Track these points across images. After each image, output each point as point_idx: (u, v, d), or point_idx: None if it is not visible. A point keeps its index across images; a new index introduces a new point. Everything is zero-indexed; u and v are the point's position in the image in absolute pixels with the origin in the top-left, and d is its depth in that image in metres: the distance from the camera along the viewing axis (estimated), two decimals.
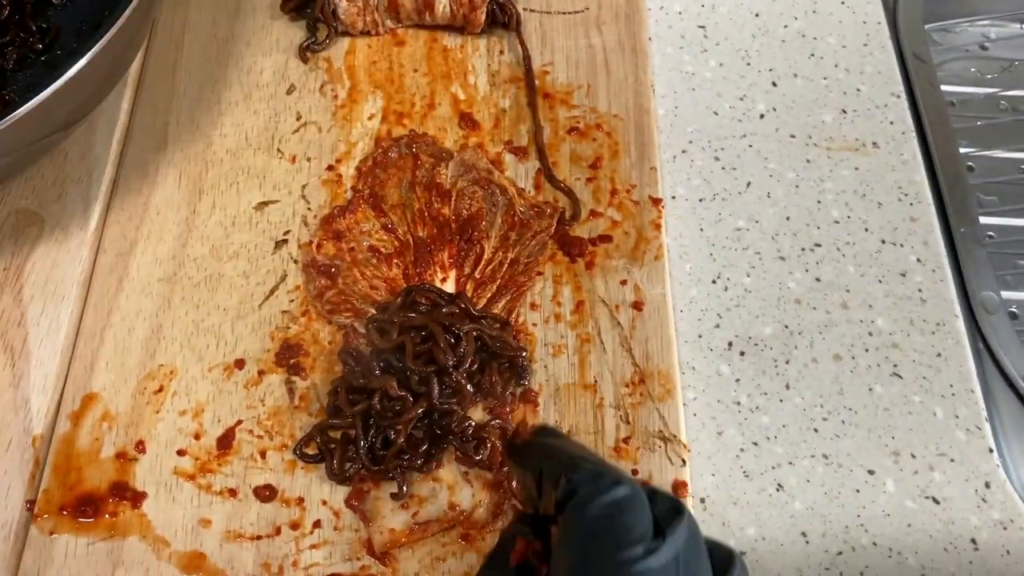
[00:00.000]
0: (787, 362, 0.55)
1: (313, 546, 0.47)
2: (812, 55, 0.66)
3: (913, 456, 0.52)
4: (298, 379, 0.51)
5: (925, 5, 0.74)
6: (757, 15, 0.68)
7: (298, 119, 0.60)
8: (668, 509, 0.33)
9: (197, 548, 0.46)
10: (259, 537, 0.47)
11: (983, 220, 0.70)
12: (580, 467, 0.34)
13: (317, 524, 0.47)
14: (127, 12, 0.49)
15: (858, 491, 0.51)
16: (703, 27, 0.67)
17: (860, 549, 0.50)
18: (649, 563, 0.31)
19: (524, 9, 0.64)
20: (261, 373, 0.51)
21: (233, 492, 0.48)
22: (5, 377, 0.50)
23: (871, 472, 0.51)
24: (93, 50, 0.48)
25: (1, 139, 0.46)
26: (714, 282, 0.57)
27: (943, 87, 0.75)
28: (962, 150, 0.71)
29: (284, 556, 0.46)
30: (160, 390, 0.51)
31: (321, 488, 0.48)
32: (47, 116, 0.47)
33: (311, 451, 0.49)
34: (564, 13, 0.65)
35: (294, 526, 0.47)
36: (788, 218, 0.60)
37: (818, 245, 0.59)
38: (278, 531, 0.47)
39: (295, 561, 0.46)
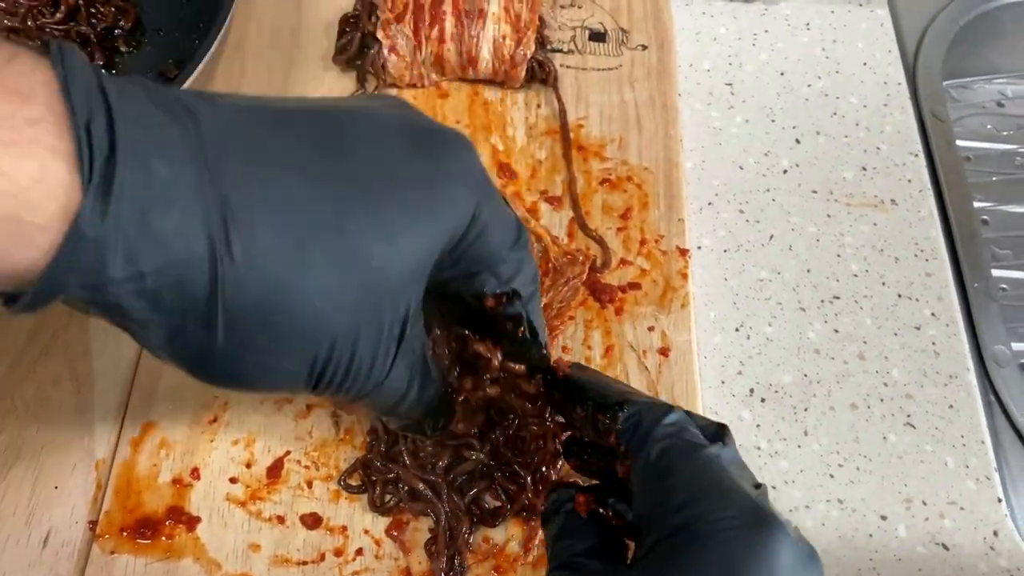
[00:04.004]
0: (806, 410, 0.57)
1: (355, 573, 0.50)
2: (834, 114, 0.70)
3: (924, 503, 0.54)
4: (343, 413, 0.54)
5: (944, 64, 0.77)
6: (782, 74, 0.71)
7: None
8: (712, 424, 0.39)
9: (247, 571, 0.50)
10: (305, 563, 0.50)
11: (997, 273, 0.72)
12: (632, 399, 0.39)
13: (359, 552, 0.50)
14: (200, 66, 0.53)
15: (871, 535, 0.53)
16: (730, 84, 0.71)
17: None
18: (727, 455, 0.36)
19: (561, 66, 0.68)
20: (309, 407, 0.55)
21: (281, 519, 0.51)
22: (71, 404, 0.54)
23: (884, 518, 0.54)
24: None
25: None
26: (737, 330, 0.60)
27: (960, 142, 0.78)
28: (977, 204, 0.74)
29: None
30: (214, 420, 0.54)
31: (363, 517, 0.51)
32: None
33: (354, 482, 0.52)
34: (599, 70, 0.68)
35: (338, 553, 0.50)
36: (809, 270, 0.62)
37: (837, 297, 0.62)
38: (323, 557, 0.50)
39: None
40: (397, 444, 0.50)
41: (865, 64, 0.72)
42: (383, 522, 0.51)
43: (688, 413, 0.39)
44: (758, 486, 0.36)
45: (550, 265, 0.60)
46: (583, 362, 0.57)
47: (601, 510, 0.40)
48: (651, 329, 0.58)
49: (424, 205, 0.36)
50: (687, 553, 0.34)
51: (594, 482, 0.43)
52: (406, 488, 0.50)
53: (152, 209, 0.30)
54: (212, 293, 0.32)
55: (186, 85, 0.52)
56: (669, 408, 0.38)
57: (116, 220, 0.30)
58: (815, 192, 0.66)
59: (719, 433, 0.38)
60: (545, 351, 0.46)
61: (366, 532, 0.51)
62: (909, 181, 0.67)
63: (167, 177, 0.31)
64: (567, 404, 0.44)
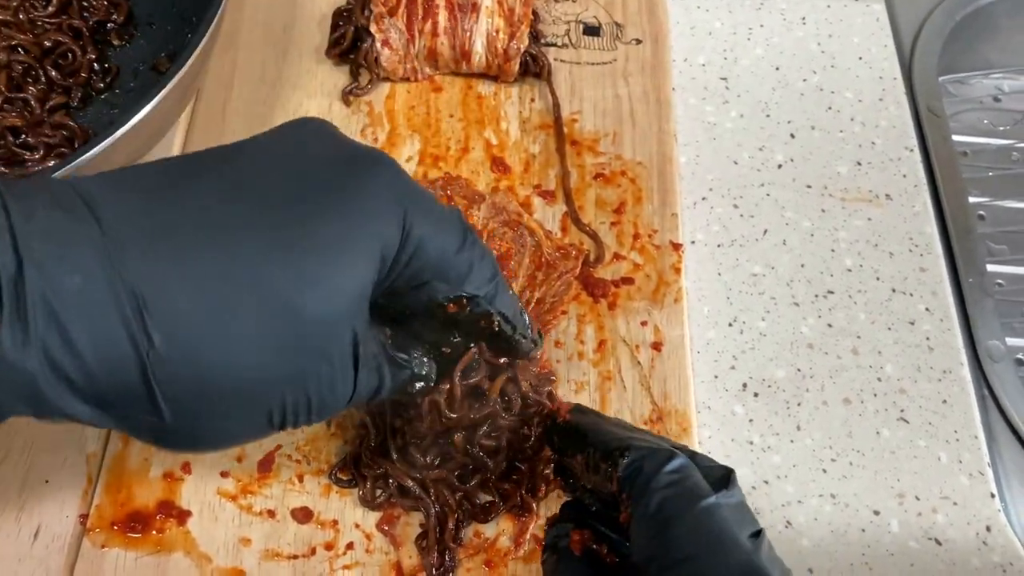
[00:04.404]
0: (799, 404, 0.57)
1: (346, 567, 0.50)
2: (829, 108, 0.69)
3: (917, 498, 0.54)
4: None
5: (940, 59, 0.77)
6: (777, 68, 0.71)
7: None
8: (717, 467, 0.38)
9: (238, 565, 0.49)
10: (295, 557, 0.50)
11: (992, 268, 0.72)
12: (633, 445, 0.39)
13: (350, 546, 0.50)
14: (191, 60, 0.53)
15: (863, 530, 0.53)
16: (725, 79, 0.70)
17: None
18: (729, 503, 0.36)
19: (555, 60, 0.68)
20: None
21: (272, 513, 0.51)
22: None
23: (876, 512, 0.54)
24: (163, 92, 0.51)
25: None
26: (730, 325, 0.60)
27: (957, 137, 0.78)
28: (973, 199, 0.74)
29: (319, 575, 0.49)
30: None
31: (354, 512, 0.51)
32: (112, 155, 0.51)
33: (345, 476, 0.52)
34: (593, 64, 0.68)
35: (328, 547, 0.50)
36: (803, 265, 0.62)
37: (831, 292, 0.61)
38: (313, 551, 0.50)
39: None
40: (386, 440, 0.50)
41: (861, 59, 0.72)
42: (374, 516, 0.51)
43: (693, 455, 0.39)
44: (757, 533, 0.36)
45: (543, 259, 0.60)
46: (576, 357, 0.57)
47: (596, 546, 0.40)
48: (644, 324, 0.58)
49: (347, 237, 0.35)
50: None
51: (592, 515, 0.43)
52: (395, 484, 0.50)
53: (69, 323, 0.30)
54: (147, 382, 0.32)
55: (176, 79, 0.51)
56: (671, 454, 0.38)
57: (37, 341, 0.30)
58: (809, 187, 0.66)
59: (725, 478, 0.38)
60: (530, 337, 0.46)
61: (357, 526, 0.51)
62: (904, 176, 0.66)
63: (78, 286, 0.30)
64: (567, 449, 0.44)
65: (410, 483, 0.49)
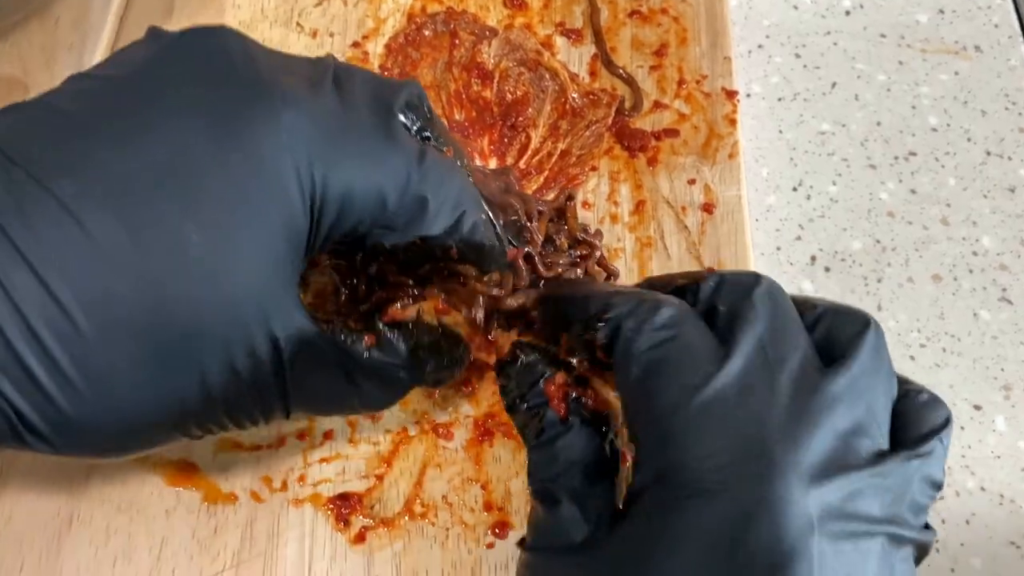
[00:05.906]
0: (879, 281, 0.47)
1: (324, 460, 0.39)
2: None
3: None
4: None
5: None
6: None
7: None
8: (734, 303, 0.28)
9: (186, 457, 0.39)
10: (259, 447, 0.40)
11: None
12: (613, 302, 0.29)
13: (328, 435, 0.40)
14: None
15: (963, 428, 0.43)
16: None
17: (966, 494, 0.42)
18: (714, 386, 0.26)
19: None
20: None
21: None
22: None
23: (977, 407, 0.44)
24: None
25: None
26: (795, 190, 0.50)
27: None
28: None
29: (289, 470, 0.39)
30: None
31: None
32: None
33: None
34: None
35: (301, 436, 0.40)
36: (879, 123, 0.52)
37: (913, 154, 0.51)
38: (282, 441, 0.40)
39: (302, 476, 0.39)
40: (356, 294, 0.38)
41: None
42: None
43: (716, 280, 0.29)
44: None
45: (567, 106, 0.49)
46: (608, 220, 0.46)
47: (582, 397, 0.31)
48: (692, 182, 0.47)
49: (228, 215, 0.27)
50: (672, 510, 0.25)
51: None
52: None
53: None
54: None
55: None
56: (658, 304, 0.28)
57: None
58: (884, 36, 0.55)
59: (743, 297, 0.28)
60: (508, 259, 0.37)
61: None
62: (996, 26, 0.56)
63: None
64: (552, 328, 0.34)
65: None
